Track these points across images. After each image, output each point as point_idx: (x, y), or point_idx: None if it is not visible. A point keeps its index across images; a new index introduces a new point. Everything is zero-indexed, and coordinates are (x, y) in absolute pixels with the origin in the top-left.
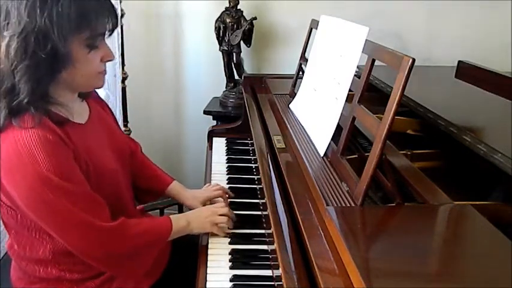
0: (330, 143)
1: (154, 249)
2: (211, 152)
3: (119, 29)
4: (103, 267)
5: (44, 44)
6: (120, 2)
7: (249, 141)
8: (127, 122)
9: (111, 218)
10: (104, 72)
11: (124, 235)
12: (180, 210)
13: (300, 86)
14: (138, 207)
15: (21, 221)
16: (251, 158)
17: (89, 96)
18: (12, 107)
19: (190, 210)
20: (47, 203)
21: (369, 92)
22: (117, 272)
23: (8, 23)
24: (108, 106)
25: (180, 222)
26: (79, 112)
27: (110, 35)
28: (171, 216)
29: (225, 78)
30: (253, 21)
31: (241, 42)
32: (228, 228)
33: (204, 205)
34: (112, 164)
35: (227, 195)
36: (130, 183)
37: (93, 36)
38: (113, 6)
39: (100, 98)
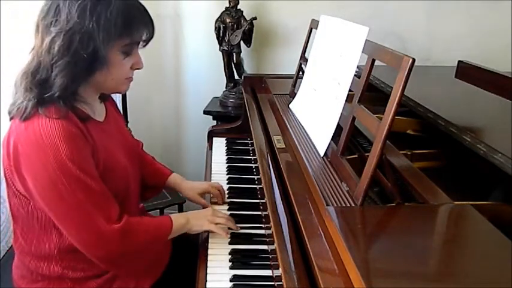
0: (330, 143)
1: (154, 246)
2: (211, 152)
3: None
4: (103, 265)
5: (87, 44)
6: None
7: (249, 141)
8: (127, 122)
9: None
10: (131, 78)
11: (126, 236)
12: (180, 211)
13: (300, 86)
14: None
15: (32, 212)
16: (251, 158)
17: (108, 99)
18: (42, 98)
19: (189, 204)
20: (61, 193)
21: (369, 92)
22: (117, 270)
23: (56, 20)
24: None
25: (179, 220)
26: (99, 111)
27: (145, 45)
28: (171, 215)
29: (225, 78)
30: (253, 21)
31: (241, 42)
32: (229, 228)
33: (202, 197)
34: (124, 161)
35: (225, 195)
36: (139, 181)
37: (131, 43)
38: (151, 18)
39: (113, 99)
